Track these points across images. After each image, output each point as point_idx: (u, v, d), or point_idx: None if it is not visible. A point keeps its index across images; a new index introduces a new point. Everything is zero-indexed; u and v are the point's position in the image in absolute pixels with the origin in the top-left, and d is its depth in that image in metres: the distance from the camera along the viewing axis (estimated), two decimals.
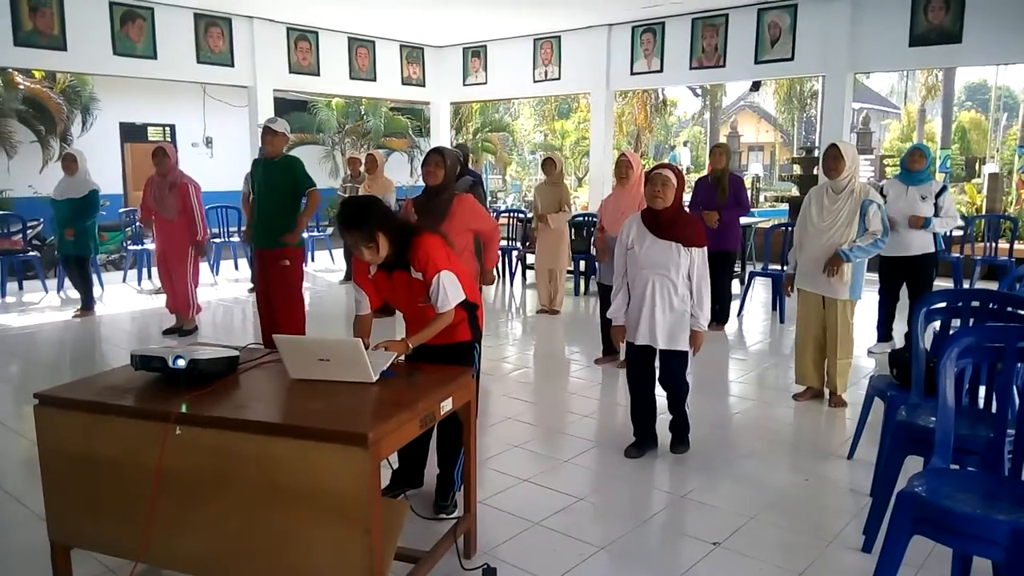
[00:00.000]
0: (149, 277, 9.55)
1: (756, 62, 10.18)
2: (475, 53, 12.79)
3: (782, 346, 6.43)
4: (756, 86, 13.81)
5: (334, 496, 2.17)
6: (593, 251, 5.85)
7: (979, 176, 17.65)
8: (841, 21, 9.29)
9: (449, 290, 2.89)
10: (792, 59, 9.88)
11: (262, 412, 2.43)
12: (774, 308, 7.64)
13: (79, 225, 7.30)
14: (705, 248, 3.72)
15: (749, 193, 16.28)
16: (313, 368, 2.58)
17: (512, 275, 9.72)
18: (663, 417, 4.01)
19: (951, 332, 3.12)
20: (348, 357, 2.54)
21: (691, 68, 10.73)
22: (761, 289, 8.67)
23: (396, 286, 3.00)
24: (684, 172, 18.31)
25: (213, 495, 2.32)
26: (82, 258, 7.51)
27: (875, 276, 6.02)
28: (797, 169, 13.37)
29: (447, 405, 2.59)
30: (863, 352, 5.93)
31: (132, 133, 15.57)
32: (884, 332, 6.17)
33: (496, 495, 3.43)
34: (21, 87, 12.78)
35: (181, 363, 2.53)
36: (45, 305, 8.21)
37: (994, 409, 2.69)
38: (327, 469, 2.17)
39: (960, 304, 3.20)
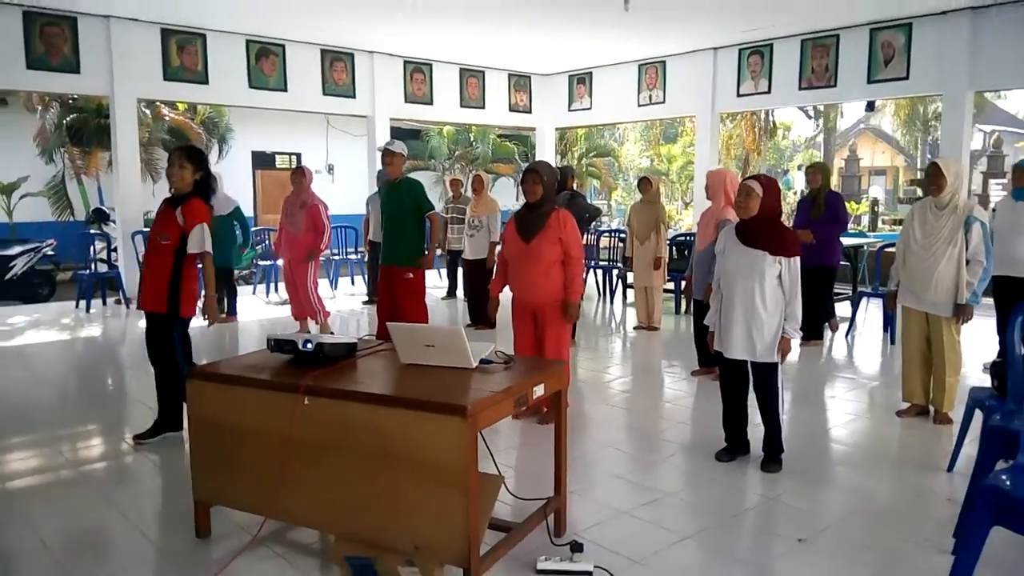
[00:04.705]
0: (276, 290, 10.32)
1: (869, 81, 9.98)
2: (580, 80, 13.12)
3: (892, 367, 6.28)
4: (871, 106, 13.45)
5: (437, 462, 2.43)
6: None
7: None
8: (959, 38, 9.01)
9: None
10: (907, 78, 9.63)
11: (376, 387, 2.74)
12: (885, 329, 7.45)
13: (245, 236, 8.21)
14: (798, 258, 3.79)
15: (867, 217, 15.71)
16: (421, 353, 2.88)
17: (612, 293, 9.88)
18: (756, 425, 4.07)
19: None
20: (452, 344, 2.82)
21: (800, 88, 10.64)
22: (874, 310, 8.47)
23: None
24: (795, 194, 17.82)
25: (333, 459, 2.65)
26: (229, 269, 8.27)
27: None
28: (919, 192, 12.91)
29: (539, 390, 2.82)
30: (976, 368, 5.75)
31: (262, 161, 16.83)
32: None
33: (587, 487, 3.62)
34: (166, 118, 14.14)
35: (309, 346, 2.90)
36: None
37: None
38: (431, 437, 2.44)
39: None
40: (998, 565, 2.77)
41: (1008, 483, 2.29)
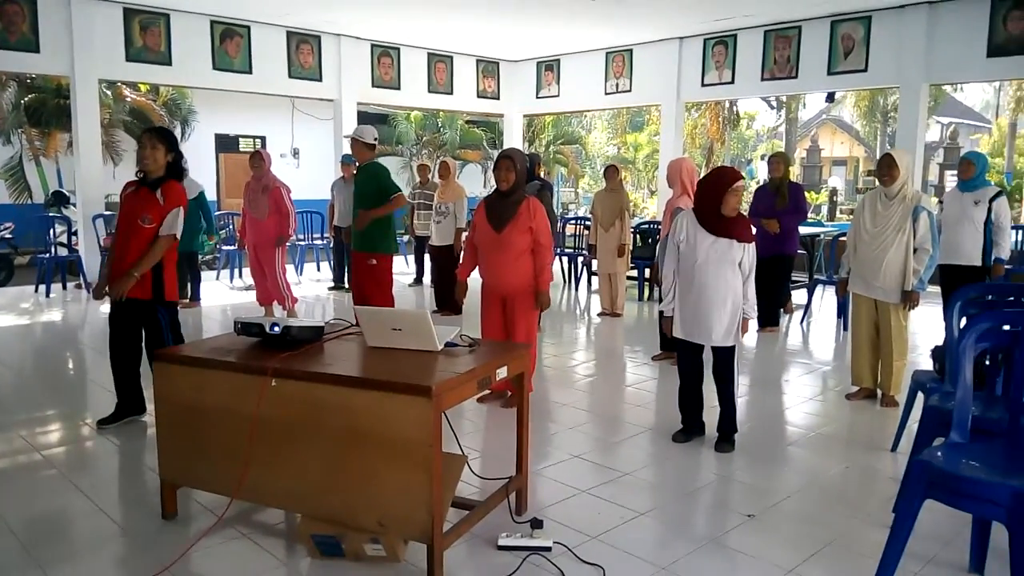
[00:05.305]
0: (240, 275, 10.25)
1: (829, 73, 10.19)
2: (548, 67, 13.17)
3: (844, 352, 6.49)
4: (831, 98, 13.70)
5: (402, 441, 2.51)
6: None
7: None
8: (916, 32, 9.24)
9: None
10: (865, 70, 9.86)
11: (343, 368, 2.80)
12: (839, 316, 7.68)
13: (208, 222, 8.16)
14: (754, 243, 3.95)
15: (826, 207, 15.97)
16: (388, 336, 2.94)
17: (577, 280, 10.00)
18: (712, 407, 4.21)
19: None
20: (418, 327, 2.90)
21: (763, 79, 10.82)
22: (830, 297, 8.71)
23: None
24: (757, 183, 18.17)
25: (300, 440, 2.71)
26: (193, 254, 8.20)
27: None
28: (877, 182, 13.19)
29: (502, 372, 2.91)
30: (925, 354, 5.98)
31: (226, 144, 16.60)
32: None
33: (548, 467, 3.73)
34: (128, 99, 13.87)
35: (276, 329, 2.94)
36: None
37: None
38: (397, 417, 2.51)
39: (994, 297, 3.33)
40: (934, 536, 2.94)
41: (940, 458, 2.43)
